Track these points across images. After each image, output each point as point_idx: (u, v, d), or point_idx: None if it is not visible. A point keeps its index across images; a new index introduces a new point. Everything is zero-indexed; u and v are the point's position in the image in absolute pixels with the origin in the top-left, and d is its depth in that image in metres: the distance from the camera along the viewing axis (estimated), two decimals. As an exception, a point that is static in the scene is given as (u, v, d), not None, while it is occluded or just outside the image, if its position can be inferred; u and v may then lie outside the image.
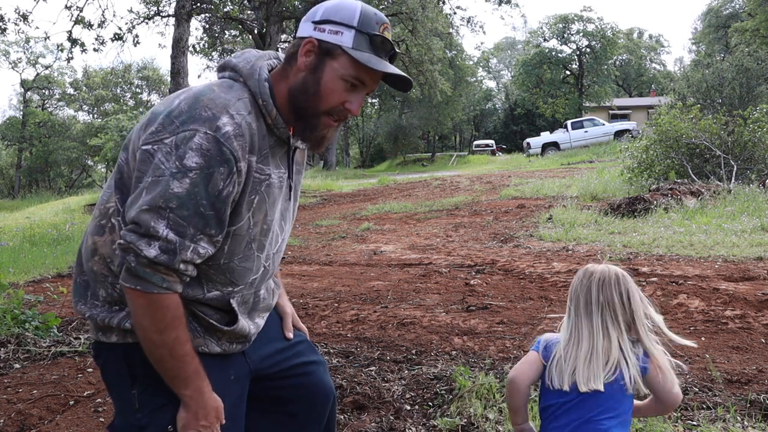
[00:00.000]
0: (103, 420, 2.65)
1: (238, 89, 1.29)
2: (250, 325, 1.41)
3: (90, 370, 3.23)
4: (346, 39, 1.28)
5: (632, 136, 21.89)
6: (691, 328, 3.66)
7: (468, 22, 23.38)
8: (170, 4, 17.68)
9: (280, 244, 1.46)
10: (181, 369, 1.24)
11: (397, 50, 1.36)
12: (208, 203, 1.19)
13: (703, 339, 3.47)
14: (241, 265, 1.33)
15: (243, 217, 1.28)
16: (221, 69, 1.37)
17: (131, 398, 1.30)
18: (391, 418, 2.57)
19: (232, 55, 1.38)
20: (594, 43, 39.46)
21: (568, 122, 28.67)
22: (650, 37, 57.30)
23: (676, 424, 2.40)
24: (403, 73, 1.33)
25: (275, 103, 1.31)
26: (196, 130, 1.18)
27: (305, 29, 1.32)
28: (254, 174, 1.28)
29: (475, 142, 43.18)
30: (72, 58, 15.94)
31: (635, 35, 53.73)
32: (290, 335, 1.60)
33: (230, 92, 1.27)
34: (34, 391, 2.94)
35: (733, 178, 9.64)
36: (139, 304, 1.20)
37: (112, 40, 15.82)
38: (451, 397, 2.69)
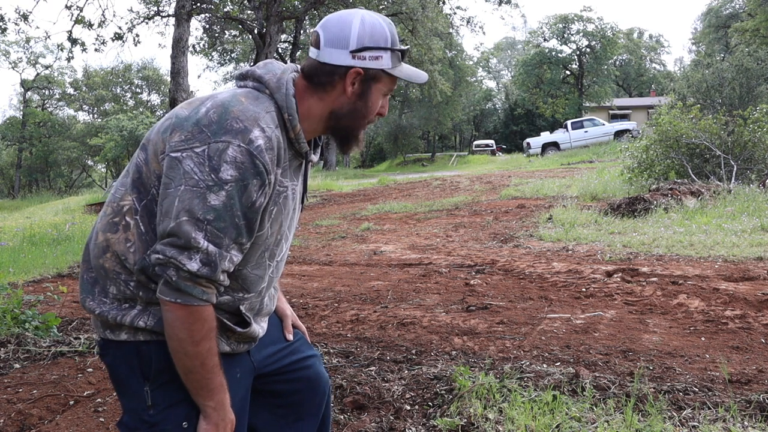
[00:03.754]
0: (103, 420, 2.65)
1: (265, 101, 1.31)
2: (259, 328, 1.46)
3: (90, 370, 3.24)
4: (385, 62, 1.34)
5: (632, 136, 21.92)
6: (691, 328, 3.66)
7: (468, 22, 23.36)
8: (170, 4, 17.71)
9: (285, 252, 1.51)
10: (210, 380, 1.27)
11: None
12: (241, 214, 1.22)
13: (703, 339, 3.47)
14: (253, 273, 1.37)
15: (264, 226, 1.32)
16: (242, 78, 1.38)
17: (143, 395, 1.31)
18: (391, 418, 2.57)
19: (256, 65, 1.39)
20: (594, 43, 39.44)
21: (568, 122, 28.66)
22: (650, 37, 57.25)
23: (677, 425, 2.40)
24: (425, 74, 1.44)
25: (300, 119, 1.35)
26: (229, 142, 1.20)
27: (340, 58, 1.31)
28: (276, 186, 1.31)
29: (475, 142, 43.21)
30: (72, 57, 15.97)
31: (635, 35, 53.67)
32: (290, 337, 1.65)
33: (258, 104, 1.29)
34: (34, 391, 2.94)
35: (733, 178, 9.64)
36: (178, 317, 1.22)
37: (113, 40, 15.85)
38: (451, 397, 2.69)
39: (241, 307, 1.37)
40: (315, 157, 1.46)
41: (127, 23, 16.55)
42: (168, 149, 1.24)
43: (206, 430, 1.30)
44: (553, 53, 40.80)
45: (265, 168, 1.23)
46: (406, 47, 1.39)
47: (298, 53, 25.02)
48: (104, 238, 1.31)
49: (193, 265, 1.19)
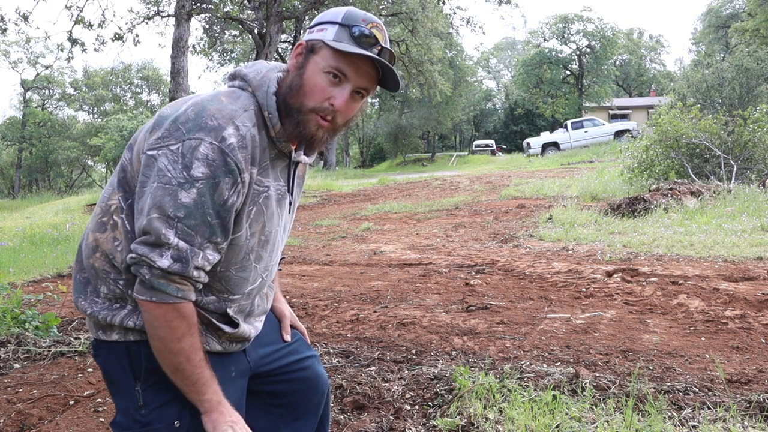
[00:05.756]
0: (103, 420, 2.65)
1: (245, 99, 1.30)
2: (250, 328, 1.44)
3: (90, 370, 3.23)
4: (328, 34, 1.29)
5: (632, 136, 21.94)
6: (691, 328, 3.66)
7: (468, 22, 23.33)
8: (170, 4, 17.69)
9: (276, 256, 1.49)
10: (200, 374, 1.26)
11: (386, 46, 1.32)
12: (214, 212, 1.21)
13: (703, 339, 3.47)
14: (237, 275, 1.35)
15: (242, 227, 1.30)
16: (232, 78, 1.38)
17: (135, 395, 1.31)
18: (391, 418, 2.57)
19: (244, 64, 1.39)
20: (594, 43, 39.45)
21: (568, 122, 28.69)
22: (650, 37, 57.26)
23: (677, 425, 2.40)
24: (378, 57, 1.29)
25: (280, 116, 1.32)
26: (201, 139, 1.20)
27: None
28: (254, 186, 1.29)
29: (475, 142, 43.18)
30: (72, 58, 15.96)
31: (635, 35, 53.67)
32: (288, 338, 1.64)
33: (237, 102, 1.28)
34: (34, 391, 2.94)
35: (733, 178, 9.64)
36: (155, 316, 1.22)
37: (113, 40, 15.83)
38: (451, 397, 2.69)
39: (229, 311, 1.36)
40: (309, 160, 1.43)
41: (127, 23, 16.54)
42: (146, 147, 1.24)
43: (214, 420, 1.27)
44: (553, 53, 40.80)
45: (237, 166, 1.22)
46: (364, 27, 1.29)
47: (298, 53, 24.89)
48: (93, 238, 1.31)
49: (164, 262, 1.18)
